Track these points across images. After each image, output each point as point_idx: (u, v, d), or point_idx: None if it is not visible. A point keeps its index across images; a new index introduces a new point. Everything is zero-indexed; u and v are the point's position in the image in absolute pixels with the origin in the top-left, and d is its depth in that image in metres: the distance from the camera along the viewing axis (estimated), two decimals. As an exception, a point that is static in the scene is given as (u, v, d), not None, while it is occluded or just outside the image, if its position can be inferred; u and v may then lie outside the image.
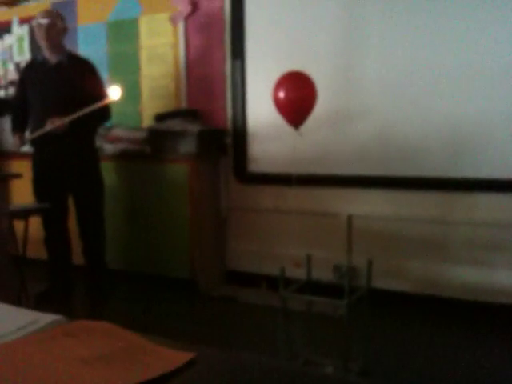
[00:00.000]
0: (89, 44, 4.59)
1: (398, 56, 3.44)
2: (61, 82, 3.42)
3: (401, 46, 3.43)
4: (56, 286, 3.59)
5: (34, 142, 3.46)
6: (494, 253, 3.32)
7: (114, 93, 3.19)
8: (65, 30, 3.56)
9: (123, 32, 4.50)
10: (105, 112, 3.48)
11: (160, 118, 4.09)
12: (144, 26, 4.40)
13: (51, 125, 3.26)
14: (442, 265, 3.45)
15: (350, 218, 3.63)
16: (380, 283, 3.21)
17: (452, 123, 3.34)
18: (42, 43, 3.47)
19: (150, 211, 3.99)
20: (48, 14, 3.48)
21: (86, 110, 3.24)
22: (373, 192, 3.60)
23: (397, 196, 3.53)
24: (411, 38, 3.40)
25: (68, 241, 3.58)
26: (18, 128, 3.51)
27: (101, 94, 3.48)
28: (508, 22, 3.14)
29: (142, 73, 4.42)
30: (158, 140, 3.94)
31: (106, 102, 3.26)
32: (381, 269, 3.23)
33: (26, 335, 1.01)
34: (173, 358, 0.99)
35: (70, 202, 3.59)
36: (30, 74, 3.55)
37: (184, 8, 4.15)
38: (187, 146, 3.81)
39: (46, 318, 1.14)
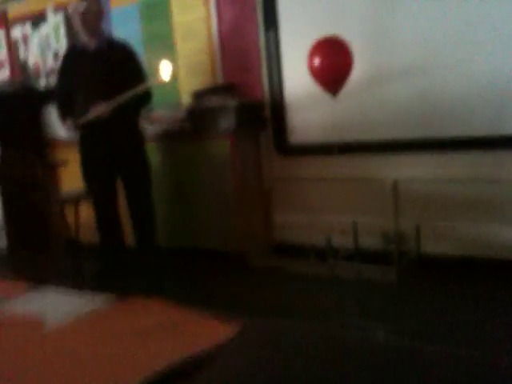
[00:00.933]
0: (123, 26, 4.61)
1: (437, 14, 3.31)
2: (101, 69, 3.46)
3: (440, 3, 3.31)
4: (111, 266, 3.68)
5: (80, 127, 3.52)
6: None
7: (164, 72, 3.16)
8: (101, 14, 3.58)
9: (155, 11, 4.50)
10: (146, 94, 3.51)
11: (198, 95, 4.10)
12: (175, 2, 4.39)
13: (94, 111, 3.32)
14: (493, 225, 3.34)
15: (395, 183, 3.59)
16: (429, 247, 3.15)
17: (494, 79, 3.21)
18: (80, 29, 3.50)
19: (194, 189, 4.03)
20: (87, 1, 3.49)
21: (128, 93, 3.27)
22: (417, 155, 3.51)
23: (442, 158, 3.44)
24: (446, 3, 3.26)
25: (119, 222, 3.66)
26: (68, 114, 3.56)
27: (141, 78, 3.52)
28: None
29: (178, 50, 4.42)
30: (197, 118, 3.96)
31: (157, 82, 3.27)
32: (429, 233, 3.18)
33: (83, 315, 1.06)
34: (221, 329, 1.01)
35: (119, 185, 3.66)
36: (71, 61, 3.59)
37: (214, -19, 4.11)
38: (226, 122, 3.82)
39: (100, 298, 1.18)
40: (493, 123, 3.26)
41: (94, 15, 3.47)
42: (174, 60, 4.38)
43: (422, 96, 3.42)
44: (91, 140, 3.52)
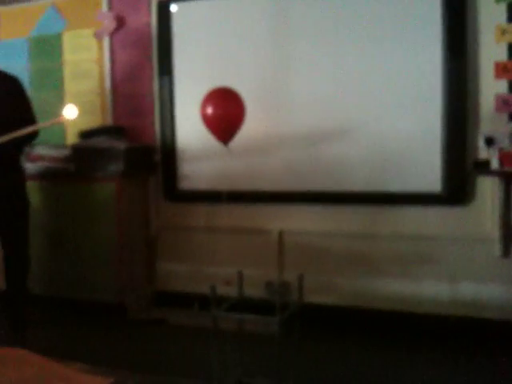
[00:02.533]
0: (9, 60, 4.40)
1: (325, 74, 3.51)
2: None
3: (328, 65, 3.50)
4: None
5: None
6: (419, 264, 3.41)
7: (69, 111, 2.97)
8: None
9: (46, 47, 4.35)
10: (33, 131, 3.32)
11: (85, 135, 3.96)
12: (68, 41, 4.28)
13: None
14: (371, 278, 3.51)
15: (280, 234, 3.65)
16: (312, 298, 3.21)
17: (378, 139, 3.43)
18: None
19: (75, 232, 3.83)
20: None
21: (21, 131, 3.06)
22: (302, 208, 3.62)
23: (326, 211, 3.57)
24: (337, 55, 3.47)
25: None
26: None
27: (29, 114, 3.35)
28: (430, 47, 3.27)
29: (66, 89, 4.28)
30: (82, 158, 3.81)
31: (60, 121, 3.09)
32: (312, 284, 3.24)
33: None
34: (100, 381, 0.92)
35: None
36: None
37: (109, 23, 4.07)
38: (114, 164, 3.70)
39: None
40: (373, 179, 3.45)
41: None
42: (61, 98, 4.24)
43: (308, 151, 3.57)
44: None
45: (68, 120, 2.91)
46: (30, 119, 3.35)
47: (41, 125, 3.13)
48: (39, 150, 3.96)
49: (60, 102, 4.27)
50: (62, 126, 4.24)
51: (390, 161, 3.40)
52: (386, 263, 3.46)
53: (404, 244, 3.42)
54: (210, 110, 3.06)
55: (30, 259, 3.44)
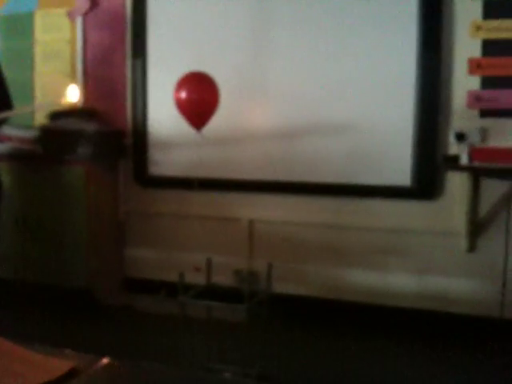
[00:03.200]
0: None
1: (301, 63, 3.49)
2: None
3: (304, 54, 3.48)
4: None
5: None
6: (387, 257, 3.45)
7: (72, 94, 2.81)
8: None
9: (17, 26, 4.23)
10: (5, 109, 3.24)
11: (54, 116, 3.86)
12: (40, 20, 4.17)
13: None
14: (339, 269, 3.53)
15: (251, 222, 3.65)
16: (280, 287, 3.21)
17: (350, 131, 3.44)
18: None
19: (42, 217, 3.74)
20: None
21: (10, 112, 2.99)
22: (273, 197, 3.62)
23: (296, 201, 3.58)
24: (315, 46, 3.46)
25: None
26: None
27: (3, 92, 3.27)
28: (407, 37, 3.28)
29: (37, 69, 4.18)
30: (51, 140, 3.72)
31: (63, 103, 2.98)
32: (281, 273, 3.24)
33: None
34: (51, 367, 0.90)
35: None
36: None
37: (82, 3, 3.98)
38: (83, 148, 3.63)
39: None
40: (344, 171, 3.46)
41: None
42: (31, 78, 4.14)
43: (281, 140, 3.55)
44: None
45: (70, 103, 2.81)
46: (4, 99, 3.28)
47: (40, 106, 3.04)
48: (6, 130, 3.86)
49: (30, 83, 4.17)
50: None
51: (362, 153, 3.42)
52: (354, 255, 3.49)
53: (373, 236, 3.45)
54: (183, 95, 3.02)
55: None
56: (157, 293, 3.55)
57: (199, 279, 2.79)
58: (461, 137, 3.21)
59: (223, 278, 3.11)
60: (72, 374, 0.89)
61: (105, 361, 0.94)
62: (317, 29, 3.45)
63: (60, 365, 0.91)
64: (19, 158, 3.80)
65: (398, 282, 3.43)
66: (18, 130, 3.86)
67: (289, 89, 3.53)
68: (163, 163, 3.83)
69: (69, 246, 3.67)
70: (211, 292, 2.66)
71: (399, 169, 3.36)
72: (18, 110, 2.94)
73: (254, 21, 3.58)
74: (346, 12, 3.39)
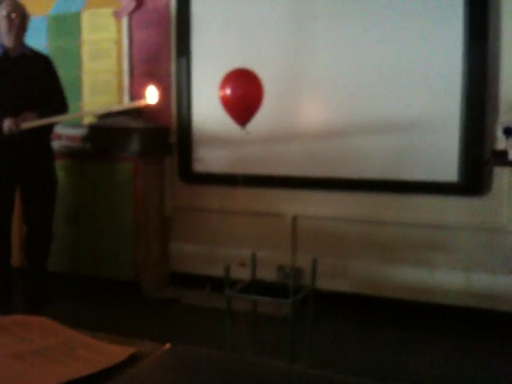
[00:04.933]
0: (28, 38, 4.39)
1: (345, 57, 3.48)
2: (24, 76, 3.27)
3: (348, 48, 3.47)
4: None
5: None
6: (432, 253, 3.40)
7: (151, 95, 2.84)
8: (28, 20, 3.40)
9: (65, 26, 4.36)
10: (63, 110, 3.38)
11: (102, 114, 3.97)
12: (87, 20, 4.28)
13: (7, 129, 3.09)
14: (384, 265, 3.50)
15: (295, 218, 3.66)
16: (323, 283, 3.22)
17: (396, 126, 3.41)
18: (5, 33, 3.28)
19: (92, 211, 3.86)
20: (14, 4, 3.31)
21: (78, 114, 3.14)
22: (317, 193, 3.61)
23: (340, 197, 3.57)
24: (359, 40, 3.44)
25: (10, 241, 3.41)
26: None
27: (60, 93, 3.41)
28: (452, 29, 3.22)
29: (84, 68, 4.29)
30: (99, 137, 3.83)
31: (142, 104, 3.07)
32: (324, 269, 3.25)
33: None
34: (114, 352, 0.94)
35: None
36: None
37: (128, 3, 4.06)
38: (131, 144, 3.72)
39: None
40: (388, 167, 3.43)
41: (21, 20, 3.30)
42: (79, 77, 4.25)
43: (325, 136, 3.55)
44: (2, 151, 3.27)
45: (149, 104, 2.85)
46: (61, 100, 3.42)
47: (118, 107, 3.13)
48: (57, 128, 3.98)
49: (78, 81, 4.29)
50: (79, 105, 4.25)
51: (407, 148, 3.38)
52: (399, 251, 3.45)
53: (419, 232, 3.41)
54: (228, 91, 3.04)
55: (53, 237, 3.48)
56: (202, 287, 3.61)
57: (244, 274, 2.82)
58: (509, 131, 3.14)
59: (267, 274, 3.14)
60: (133, 359, 0.93)
61: (166, 346, 0.97)
62: (360, 22, 3.43)
63: (122, 350, 0.95)
64: (70, 155, 3.92)
65: (443, 279, 3.38)
66: (68, 128, 3.97)
67: (333, 84, 3.52)
68: (208, 160, 3.88)
69: (118, 240, 3.77)
70: (256, 287, 2.68)
71: (446, 164, 3.31)
72: (98, 109, 3.07)
73: (297, 16, 3.59)
74: (390, 3, 3.35)
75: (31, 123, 3.13)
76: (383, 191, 3.46)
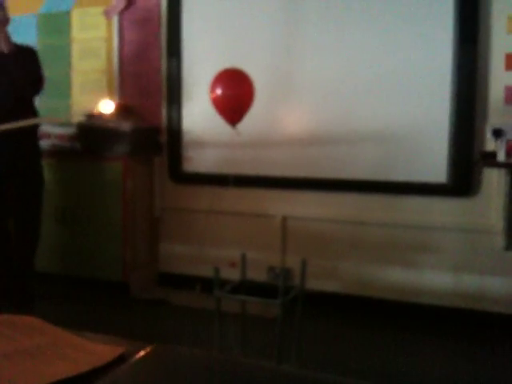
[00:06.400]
0: (18, 36, 4.34)
1: (335, 61, 3.49)
2: (15, 71, 3.25)
3: (338, 52, 3.48)
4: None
5: None
6: (420, 254, 3.42)
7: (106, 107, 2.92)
8: (8, 19, 3.38)
9: (55, 25, 4.33)
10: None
11: (91, 114, 3.95)
12: (76, 19, 4.26)
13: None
14: (373, 266, 3.51)
15: (284, 219, 3.66)
16: (313, 284, 3.23)
17: (383, 127, 3.42)
18: None
19: (80, 211, 3.83)
20: None
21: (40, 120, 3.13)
22: (307, 194, 3.62)
23: (329, 198, 3.57)
24: (347, 42, 3.45)
25: (10, 240, 3.38)
26: None
27: (40, 78, 3.40)
28: (441, 36, 3.24)
29: (74, 67, 4.27)
30: (88, 137, 3.81)
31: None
32: (314, 270, 3.26)
33: None
34: (102, 352, 0.93)
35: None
36: None
37: (119, 2, 4.04)
38: (120, 144, 3.70)
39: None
40: (378, 168, 3.45)
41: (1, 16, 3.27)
42: (68, 76, 4.23)
43: (314, 137, 3.56)
44: None
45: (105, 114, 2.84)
46: (39, 78, 3.39)
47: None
48: (46, 127, 3.95)
49: (67, 80, 4.26)
50: (68, 104, 4.23)
51: (397, 149, 3.39)
52: (389, 252, 3.47)
53: (408, 233, 3.43)
54: (218, 91, 3.04)
55: (40, 236, 3.46)
56: (191, 288, 3.60)
57: (234, 275, 2.81)
58: (498, 133, 3.16)
59: (257, 274, 3.14)
60: (121, 359, 0.92)
61: (151, 347, 0.97)
62: (350, 25, 3.44)
63: (110, 351, 0.94)
64: (58, 154, 3.89)
65: (431, 279, 3.40)
66: (57, 127, 3.95)
67: (322, 86, 3.53)
68: (197, 160, 3.87)
69: (106, 240, 3.75)
70: (246, 287, 2.68)
71: (435, 165, 3.33)
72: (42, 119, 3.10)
73: (288, 18, 3.59)
74: (379, 5, 3.37)
75: (7, 125, 3.10)
76: (372, 192, 3.48)
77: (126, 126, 3.73)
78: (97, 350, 0.95)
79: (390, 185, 3.43)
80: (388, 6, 3.36)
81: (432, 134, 3.32)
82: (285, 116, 3.65)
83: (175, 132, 3.91)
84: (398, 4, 3.33)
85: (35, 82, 3.37)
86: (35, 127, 3.40)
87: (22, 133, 3.21)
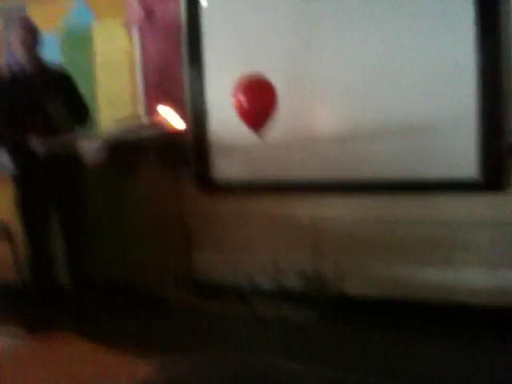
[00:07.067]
0: (41, 53, 4.45)
1: (353, 58, 3.45)
2: (45, 92, 3.31)
3: (355, 48, 3.44)
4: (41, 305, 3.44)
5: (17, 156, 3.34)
6: (457, 252, 3.36)
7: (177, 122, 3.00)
8: (39, 35, 3.45)
9: (76, 39, 4.38)
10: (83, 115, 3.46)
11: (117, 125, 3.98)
12: (98, 32, 4.30)
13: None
14: (407, 266, 3.47)
15: (315, 222, 3.64)
16: (347, 287, 3.20)
17: (410, 124, 3.38)
18: (20, 51, 3.31)
19: (112, 221, 3.87)
20: (23, 20, 3.37)
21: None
22: (337, 196, 3.60)
23: (361, 199, 3.54)
24: (367, 38, 3.41)
25: (51, 257, 3.46)
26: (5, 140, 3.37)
27: (81, 101, 3.54)
28: (462, 26, 3.19)
29: (98, 79, 4.31)
30: (115, 148, 3.83)
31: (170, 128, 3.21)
32: (347, 272, 3.24)
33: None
34: (137, 367, 0.95)
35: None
36: (9, 84, 3.38)
37: (138, 13, 4.07)
38: (146, 154, 3.73)
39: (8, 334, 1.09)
40: (407, 166, 3.41)
41: (30, 36, 3.34)
42: (92, 89, 4.27)
43: (342, 138, 3.53)
44: (32, 170, 3.31)
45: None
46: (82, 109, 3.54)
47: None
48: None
49: (92, 93, 4.31)
50: (95, 119, 4.28)
51: (424, 146, 3.35)
52: (423, 251, 3.41)
53: (441, 231, 3.37)
54: (241, 98, 3.06)
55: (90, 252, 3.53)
56: (225, 295, 3.61)
57: (267, 280, 2.82)
58: (527, 125, 3.10)
59: (290, 279, 3.14)
60: (158, 369, 0.93)
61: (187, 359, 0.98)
62: (369, 20, 3.39)
63: (145, 365, 0.96)
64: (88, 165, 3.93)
65: (469, 277, 3.34)
66: (83, 139, 3.99)
67: (345, 84, 3.50)
68: (225, 166, 3.88)
69: (138, 250, 3.78)
70: (279, 293, 2.69)
71: (464, 161, 3.27)
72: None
73: (306, 18, 3.57)
74: (398, 3, 3.33)
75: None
76: (402, 191, 3.44)
77: (151, 135, 3.75)
78: (133, 365, 0.97)
79: (419, 182, 3.38)
80: (406, 1, 3.32)
81: (460, 129, 3.27)
82: (310, 117, 3.63)
83: (201, 140, 3.92)
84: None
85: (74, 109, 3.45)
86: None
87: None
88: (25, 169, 3.32)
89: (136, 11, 4.08)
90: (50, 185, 3.32)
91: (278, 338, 2.68)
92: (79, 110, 3.48)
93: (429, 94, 3.32)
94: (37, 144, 3.13)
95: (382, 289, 3.50)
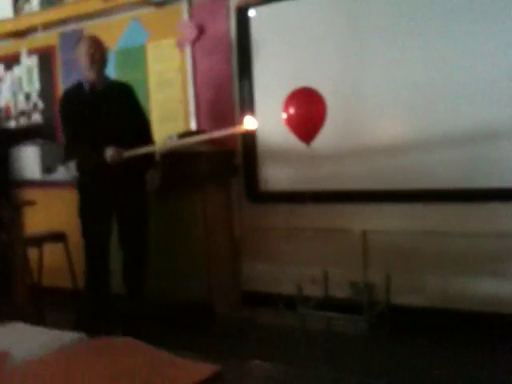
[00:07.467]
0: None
1: (406, 69, 3.45)
2: (111, 108, 3.46)
3: (408, 59, 3.43)
4: (97, 314, 3.54)
5: (83, 170, 3.49)
6: (509, 263, 3.26)
7: (250, 123, 3.07)
8: (107, 54, 3.60)
9: (131, 59, 4.56)
10: (150, 140, 3.60)
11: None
12: (151, 52, 4.46)
13: (111, 158, 3.27)
14: (460, 278, 3.39)
15: (364, 233, 3.62)
16: (397, 298, 3.15)
17: (461, 134, 3.33)
18: (90, 70, 3.47)
19: (162, 236, 3.95)
20: (92, 40, 3.53)
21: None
22: (386, 206, 3.57)
23: (409, 209, 3.50)
24: (419, 50, 3.40)
25: (109, 267, 3.57)
26: (73, 154, 3.53)
27: (144, 119, 3.66)
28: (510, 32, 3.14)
29: (152, 98, 4.46)
30: (168, 164, 3.94)
31: (241, 131, 3.29)
32: (397, 283, 3.19)
33: (51, 352, 1.00)
34: (198, 370, 0.97)
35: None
36: (78, 100, 3.49)
37: (190, 33, 4.20)
38: (199, 168, 3.81)
39: (68, 336, 1.13)
40: (460, 176, 3.35)
41: (100, 54, 3.48)
42: (147, 107, 4.41)
43: (391, 148, 3.51)
44: (97, 182, 3.44)
45: (248, 130, 3.09)
46: (145, 128, 3.65)
47: (218, 133, 3.29)
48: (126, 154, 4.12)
49: (147, 111, 4.45)
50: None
51: (480, 155, 3.28)
52: (475, 262, 3.33)
53: (496, 242, 3.28)
54: (291, 111, 3.08)
55: (148, 263, 3.62)
56: (275, 306, 3.62)
57: (315, 291, 2.82)
58: None
59: (339, 290, 3.12)
60: (218, 376, 0.96)
61: (248, 363, 1.00)
62: (419, 34, 3.39)
63: (206, 368, 0.99)
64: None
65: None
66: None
67: (395, 95, 3.49)
68: (274, 179, 3.92)
69: (189, 263, 3.84)
70: (329, 304, 2.68)
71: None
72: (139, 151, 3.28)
73: (354, 31, 3.60)
74: (446, 14, 3.30)
75: (133, 152, 3.28)
76: (454, 201, 3.38)
77: (203, 149, 3.84)
78: (193, 368, 0.99)
79: (474, 192, 3.31)
80: (454, 11, 3.29)
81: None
82: (359, 128, 3.63)
83: (250, 153, 3.99)
84: (467, 7, 3.25)
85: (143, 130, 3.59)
86: (149, 158, 3.58)
87: (132, 163, 3.36)
88: (91, 179, 3.46)
89: (190, 31, 4.20)
90: (114, 196, 3.43)
91: (327, 349, 2.67)
92: (143, 126, 3.60)
93: (481, 106, 3.26)
94: (104, 157, 3.25)
95: (432, 300, 3.43)
